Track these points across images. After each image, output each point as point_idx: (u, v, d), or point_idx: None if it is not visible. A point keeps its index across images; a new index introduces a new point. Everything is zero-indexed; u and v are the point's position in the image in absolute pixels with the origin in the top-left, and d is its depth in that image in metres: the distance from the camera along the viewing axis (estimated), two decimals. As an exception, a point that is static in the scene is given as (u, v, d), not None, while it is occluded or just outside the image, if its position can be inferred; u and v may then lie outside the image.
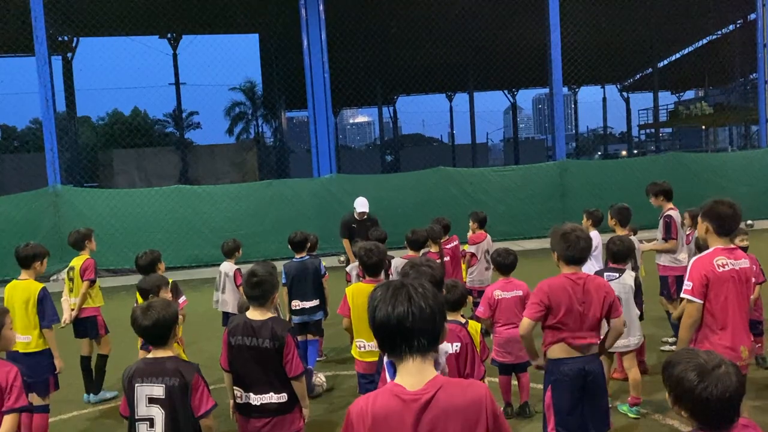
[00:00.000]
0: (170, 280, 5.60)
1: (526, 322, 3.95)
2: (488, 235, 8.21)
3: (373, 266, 4.81)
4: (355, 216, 9.73)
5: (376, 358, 4.50)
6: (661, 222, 7.11)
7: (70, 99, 33.34)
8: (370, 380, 4.63)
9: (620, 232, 6.44)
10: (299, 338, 6.59)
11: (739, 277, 3.93)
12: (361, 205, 9.69)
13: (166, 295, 4.97)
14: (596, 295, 3.86)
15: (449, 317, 3.97)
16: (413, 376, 1.96)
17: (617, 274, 5.30)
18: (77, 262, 6.76)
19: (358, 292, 4.74)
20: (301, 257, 6.92)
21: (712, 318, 3.91)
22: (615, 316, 3.92)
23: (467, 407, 1.96)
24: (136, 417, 3.40)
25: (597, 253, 6.81)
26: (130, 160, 35.20)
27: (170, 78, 36.84)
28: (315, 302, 6.72)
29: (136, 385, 3.42)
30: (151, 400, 3.40)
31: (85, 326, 6.62)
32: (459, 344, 3.57)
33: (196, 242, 15.26)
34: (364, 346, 4.74)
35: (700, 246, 5.43)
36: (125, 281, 12.52)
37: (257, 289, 3.83)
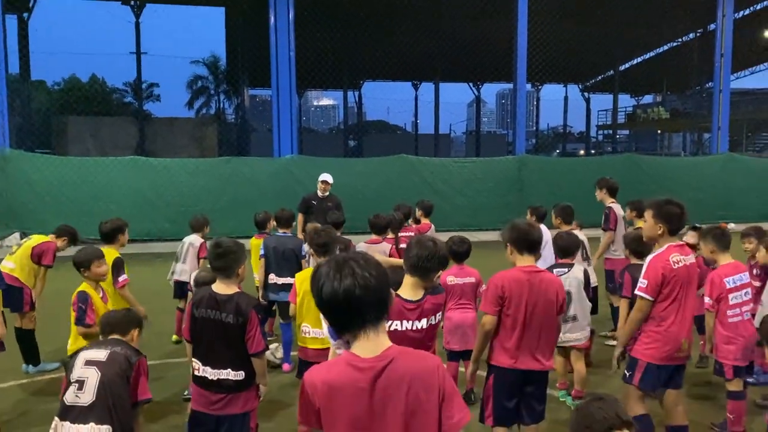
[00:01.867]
0: (117, 255, 5.48)
1: (487, 318, 3.93)
2: (432, 225, 8.21)
3: (321, 246, 4.93)
4: (318, 192, 9.65)
5: (321, 346, 4.47)
6: (603, 215, 7.46)
7: (24, 61, 32.13)
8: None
9: (565, 228, 6.58)
10: (282, 323, 6.47)
11: (688, 271, 4.12)
12: (326, 175, 9.74)
13: (99, 269, 4.76)
14: (550, 289, 3.92)
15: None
16: (368, 346, 1.99)
17: (566, 269, 5.40)
18: (38, 239, 6.55)
19: (305, 277, 4.70)
20: (284, 233, 6.84)
21: (659, 311, 4.07)
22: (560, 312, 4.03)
23: (422, 374, 2.00)
24: (69, 382, 3.28)
25: (547, 248, 6.94)
26: (86, 129, 34.16)
27: (131, 47, 35.86)
28: (288, 280, 6.44)
29: (81, 352, 3.37)
30: (88, 362, 3.28)
31: (12, 296, 6.20)
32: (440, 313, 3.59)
33: (150, 216, 14.93)
34: (309, 332, 4.70)
35: (636, 249, 5.61)
36: (72, 252, 12.20)
37: (221, 260, 3.78)
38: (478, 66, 32.72)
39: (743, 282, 4.78)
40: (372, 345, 1.99)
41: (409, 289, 3.41)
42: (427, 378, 2.00)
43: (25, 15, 31.07)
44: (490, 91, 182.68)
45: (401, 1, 27.13)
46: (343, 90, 45.72)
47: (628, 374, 4.22)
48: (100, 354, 3.32)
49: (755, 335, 4.55)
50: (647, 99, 53.18)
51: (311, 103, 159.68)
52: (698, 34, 35.12)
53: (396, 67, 37.31)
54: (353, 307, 1.95)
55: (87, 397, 3.18)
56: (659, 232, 4.11)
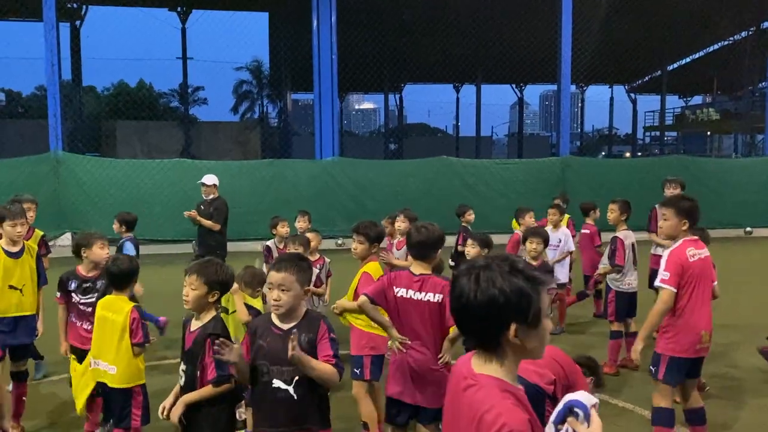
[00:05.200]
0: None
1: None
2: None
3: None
4: (203, 195, 8.74)
5: (377, 331, 4.34)
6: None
7: (76, 67, 33.23)
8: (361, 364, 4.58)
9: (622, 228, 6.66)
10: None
11: (704, 264, 4.32)
12: (206, 177, 8.72)
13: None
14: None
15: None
16: (513, 369, 1.78)
17: None
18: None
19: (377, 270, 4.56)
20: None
21: (680, 304, 4.24)
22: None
23: None
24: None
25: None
26: (134, 132, 35.10)
27: (178, 52, 36.73)
28: None
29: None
30: None
31: None
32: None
33: (194, 217, 15.22)
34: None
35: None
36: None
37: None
38: (521, 67, 32.29)
39: None
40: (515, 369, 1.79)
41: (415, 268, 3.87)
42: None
43: (78, 23, 32.13)
44: (534, 92, 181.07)
45: (444, 3, 27.10)
46: (384, 93, 45.78)
47: (653, 369, 4.35)
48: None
49: None
50: (696, 100, 51.77)
51: (352, 106, 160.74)
52: (751, 33, 34.03)
53: (437, 70, 37.28)
54: (501, 316, 1.71)
55: None
56: (683, 226, 4.30)
